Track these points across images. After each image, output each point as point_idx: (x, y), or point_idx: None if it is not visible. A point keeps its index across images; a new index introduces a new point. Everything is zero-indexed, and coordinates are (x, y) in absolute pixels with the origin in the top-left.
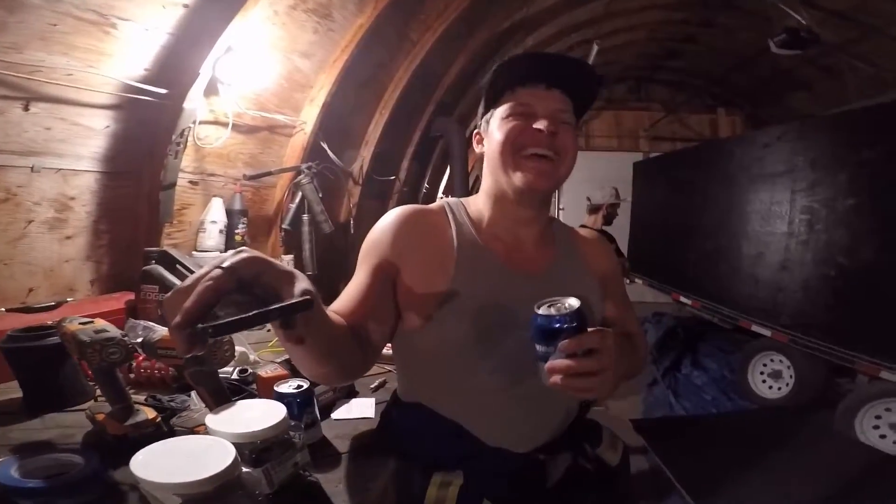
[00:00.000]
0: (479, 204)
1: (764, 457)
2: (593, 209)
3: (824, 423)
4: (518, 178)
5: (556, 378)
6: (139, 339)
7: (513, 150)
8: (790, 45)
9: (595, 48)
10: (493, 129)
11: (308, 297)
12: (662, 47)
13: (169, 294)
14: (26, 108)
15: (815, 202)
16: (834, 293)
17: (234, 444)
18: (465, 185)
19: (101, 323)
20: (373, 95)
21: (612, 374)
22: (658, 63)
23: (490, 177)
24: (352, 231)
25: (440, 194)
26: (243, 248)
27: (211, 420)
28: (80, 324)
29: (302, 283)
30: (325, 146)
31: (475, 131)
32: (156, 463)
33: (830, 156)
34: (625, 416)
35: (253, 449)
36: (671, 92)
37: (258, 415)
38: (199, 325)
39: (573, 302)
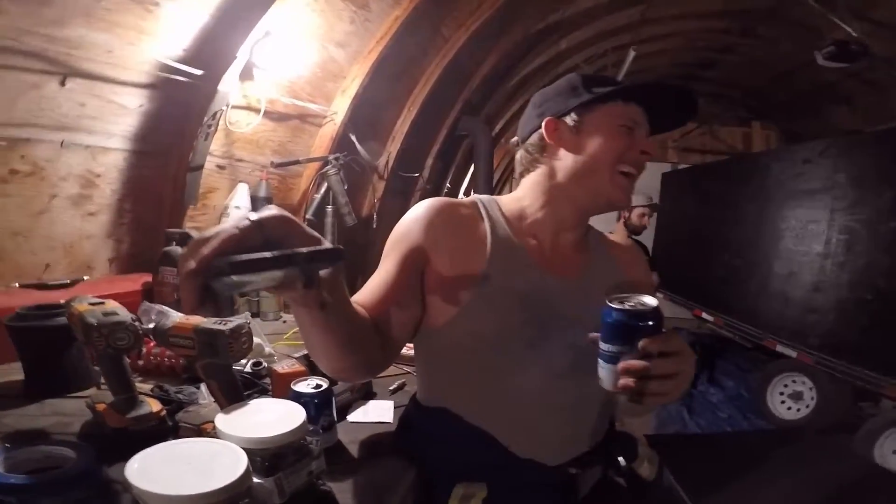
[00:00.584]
0: (521, 201)
1: (780, 478)
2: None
3: (843, 447)
4: (613, 192)
5: (628, 380)
6: (151, 325)
7: (614, 162)
8: (838, 58)
9: (632, 54)
10: (598, 131)
11: (339, 247)
12: (698, 56)
13: (187, 245)
14: (63, 84)
15: (855, 222)
16: (870, 316)
17: (245, 449)
18: (490, 184)
19: (111, 305)
20: (403, 90)
21: (686, 378)
22: (692, 72)
23: (564, 178)
24: (374, 226)
25: (461, 194)
26: (274, 206)
27: (221, 421)
28: (90, 304)
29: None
30: (353, 138)
31: (548, 118)
32: (154, 470)
33: (875, 174)
34: (638, 431)
35: (265, 456)
36: (704, 103)
37: (274, 418)
38: (214, 263)
39: (651, 300)
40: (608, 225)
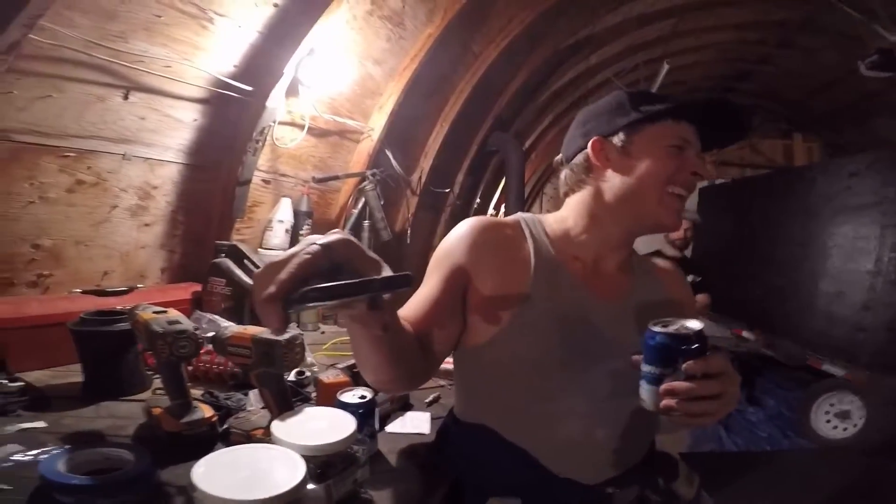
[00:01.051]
0: (565, 222)
1: (823, 499)
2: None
3: (890, 467)
4: (662, 214)
5: (671, 401)
6: (210, 334)
7: (664, 184)
8: (882, 67)
9: (665, 68)
10: (646, 152)
11: (408, 273)
12: (733, 68)
13: (259, 270)
14: (126, 97)
15: None
16: None
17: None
18: (521, 200)
19: (174, 314)
20: (435, 106)
21: (730, 399)
22: (728, 85)
23: (611, 199)
24: (408, 241)
25: (491, 209)
26: (337, 230)
27: (277, 427)
28: (154, 312)
29: (388, 272)
30: (389, 154)
31: (595, 138)
32: (218, 474)
33: None
34: (673, 449)
35: (317, 463)
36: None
37: (325, 425)
38: (298, 293)
39: (695, 324)
40: (652, 240)
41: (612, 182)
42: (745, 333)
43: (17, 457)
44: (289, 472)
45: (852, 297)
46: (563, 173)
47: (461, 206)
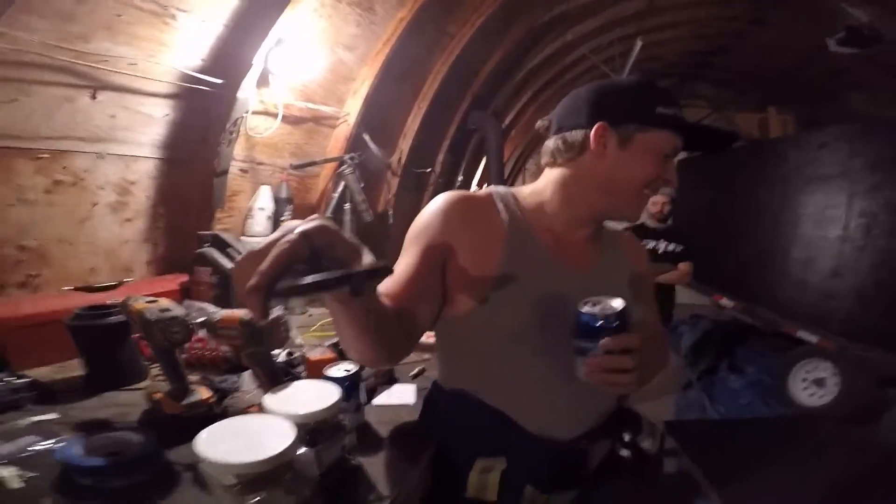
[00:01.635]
0: (541, 195)
1: (799, 464)
2: None
3: (866, 434)
4: (631, 210)
5: (594, 373)
6: (201, 319)
7: (644, 186)
8: (850, 44)
9: (639, 44)
10: (643, 153)
11: (386, 263)
12: (710, 44)
13: (240, 258)
14: (94, 97)
15: (875, 205)
16: (890, 300)
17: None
18: (501, 177)
19: (165, 302)
20: (412, 88)
21: (645, 372)
22: (704, 60)
23: (592, 185)
24: (390, 221)
25: (473, 186)
26: (316, 216)
27: (269, 400)
28: (146, 302)
29: (367, 257)
30: (366, 138)
31: (599, 123)
32: (219, 442)
33: (893, 158)
34: (658, 418)
35: (306, 430)
36: (717, 90)
37: (313, 396)
38: (279, 286)
39: (617, 303)
40: None
41: (599, 170)
42: (723, 301)
43: (35, 446)
44: (281, 437)
45: (822, 263)
46: (552, 142)
47: (443, 185)
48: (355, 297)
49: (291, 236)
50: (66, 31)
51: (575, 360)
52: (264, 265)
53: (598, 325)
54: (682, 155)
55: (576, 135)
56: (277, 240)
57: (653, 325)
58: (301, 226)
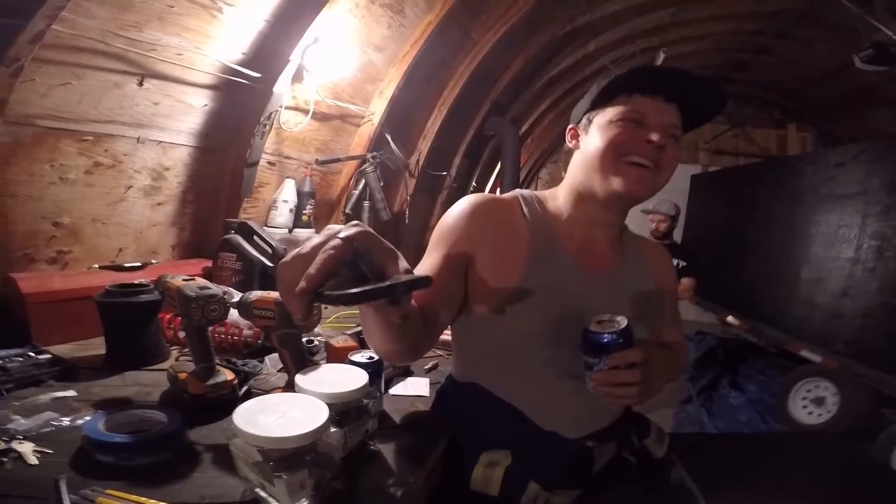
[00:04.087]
0: (557, 199)
1: (793, 480)
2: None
3: (860, 452)
4: (617, 182)
5: (601, 387)
6: (235, 299)
7: (615, 155)
8: (877, 61)
9: (662, 56)
10: (598, 129)
11: (429, 276)
12: (730, 58)
13: (286, 258)
14: (141, 84)
15: (888, 227)
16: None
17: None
18: (516, 183)
19: (201, 281)
20: (434, 91)
21: (650, 385)
22: (724, 74)
23: (580, 174)
24: (406, 221)
25: (487, 192)
26: (356, 221)
27: (301, 380)
28: (183, 280)
29: (403, 262)
30: (388, 138)
31: (570, 126)
32: (255, 418)
33: None
34: None
35: (336, 410)
36: (737, 104)
37: (342, 378)
38: (333, 293)
39: (622, 320)
40: (638, 231)
41: (579, 158)
42: (730, 319)
43: (55, 423)
44: (314, 414)
45: (832, 283)
46: (561, 165)
47: (457, 189)
48: (398, 306)
49: (336, 241)
50: (121, 19)
51: (585, 373)
52: (312, 269)
53: (603, 341)
54: (697, 169)
55: (566, 146)
56: (322, 243)
57: (671, 333)
58: (344, 231)
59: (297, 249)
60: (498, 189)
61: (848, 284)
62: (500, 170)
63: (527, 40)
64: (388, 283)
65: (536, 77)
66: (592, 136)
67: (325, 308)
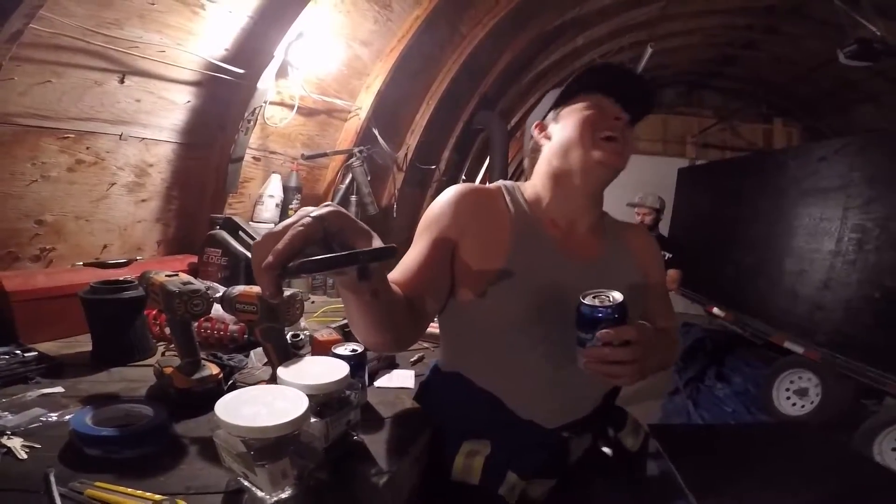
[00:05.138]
0: (536, 188)
1: (778, 471)
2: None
3: (842, 443)
4: (597, 154)
5: (592, 363)
6: (219, 294)
7: (592, 131)
8: (860, 57)
9: (649, 51)
10: (569, 116)
11: (393, 245)
12: (719, 52)
13: (259, 238)
14: (122, 81)
15: (868, 220)
16: (875, 315)
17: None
18: (505, 176)
19: (184, 276)
20: (422, 85)
21: (642, 366)
22: (713, 69)
23: (556, 159)
24: (394, 215)
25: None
26: (329, 202)
27: (283, 372)
28: (166, 276)
29: (377, 242)
30: (376, 132)
31: (536, 123)
32: (238, 409)
33: (890, 173)
34: (642, 421)
35: (317, 402)
36: (725, 99)
37: (324, 370)
38: (292, 263)
39: (617, 295)
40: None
41: (554, 142)
42: (716, 310)
43: (43, 418)
44: (294, 405)
45: (814, 276)
46: (526, 161)
47: (447, 183)
48: (362, 281)
49: (307, 220)
50: (101, 16)
51: (576, 350)
52: (279, 244)
53: (597, 316)
54: (684, 163)
55: (532, 144)
56: (294, 222)
57: (662, 317)
58: (316, 210)
59: (270, 229)
60: (487, 183)
61: (829, 277)
62: (489, 163)
63: (515, 34)
64: (346, 252)
65: (525, 71)
66: (564, 124)
67: (312, 301)
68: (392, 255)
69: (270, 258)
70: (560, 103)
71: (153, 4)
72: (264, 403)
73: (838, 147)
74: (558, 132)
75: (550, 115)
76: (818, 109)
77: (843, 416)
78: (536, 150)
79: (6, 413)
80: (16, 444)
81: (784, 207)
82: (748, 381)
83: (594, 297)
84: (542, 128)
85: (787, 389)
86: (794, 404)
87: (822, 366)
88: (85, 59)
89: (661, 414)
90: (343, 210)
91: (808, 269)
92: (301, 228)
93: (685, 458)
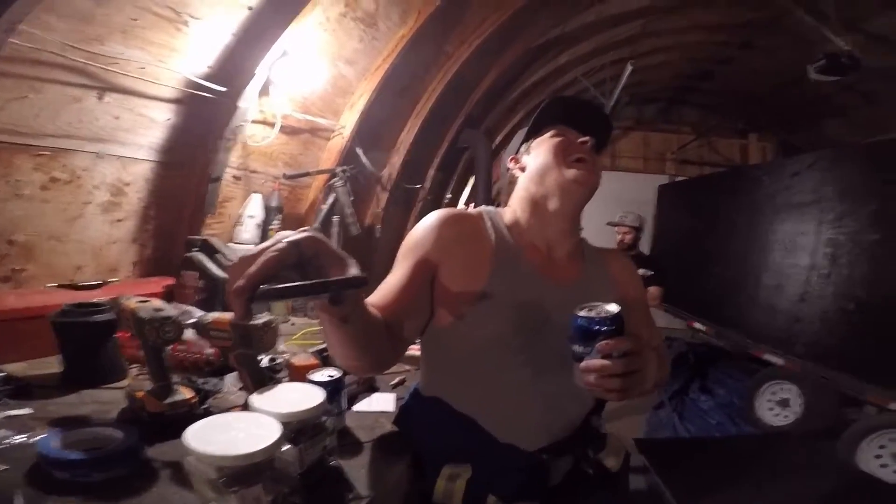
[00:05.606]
0: (515, 213)
1: (764, 482)
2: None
3: (827, 452)
4: (570, 173)
5: (591, 377)
6: (193, 319)
7: (564, 155)
8: (829, 72)
9: (629, 68)
10: (540, 146)
11: (364, 275)
12: (696, 68)
13: (234, 262)
14: (101, 98)
15: (840, 234)
16: (851, 326)
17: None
18: (489, 194)
19: (157, 302)
20: (407, 104)
21: (642, 377)
22: (690, 84)
23: (533, 185)
24: (377, 235)
25: (461, 204)
26: (306, 227)
27: (255, 399)
28: (138, 302)
29: (353, 269)
30: (359, 152)
31: (511, 156)
32: (207, 436)
33: (859, 187)
34: (628, 435)
35: (291, 429)
36: (702, 115)
37: (298, 396)
38: (261, 288)
39: (612, 307)
40: (597, 240)
41: (529, 169)
42: (697, 325)
43: (8, 440)
44: (266, 433)
45: (790, 289)
46: (503, 197)
47: (432, 202)
48: (335, 306)
49: (281, 244)
50: (82, 32)
51: (573, 367)
52: (252, 268)
53: (594, 328)
54: (664, 179)
55: (508, 176)
56: (269, 247)
57: (652, 340)
58: (292, 235)
59: (245, 253)
60: (472, 202)
61: (805, 290)
62: (474, 182)
63: (500, 53)
64: (315, 280)
65: (509, 89)
66: (537, 152)
67: (292, 323)
68: (361, 285)
69: (242, 281)
70: (529, 137)
71: (136, 20)
72: (236, 430)
73: (810, 162)
74: (532, 160)
75: (522, 148)
76: (791, 124)
77: (827, 425)
78: (513, 181)
79: None
80: None
81: (760, 223)
82: (732, 393)
83: (589, 310)
84: (517, 160)
85: (770, 401)
86: (776, 415)
87: (802, 376)
88: (64, 75)
89: (646, 427)
90: (319, 236)
91: (784, 283)
92: (275, 253)
93: (672, 472)
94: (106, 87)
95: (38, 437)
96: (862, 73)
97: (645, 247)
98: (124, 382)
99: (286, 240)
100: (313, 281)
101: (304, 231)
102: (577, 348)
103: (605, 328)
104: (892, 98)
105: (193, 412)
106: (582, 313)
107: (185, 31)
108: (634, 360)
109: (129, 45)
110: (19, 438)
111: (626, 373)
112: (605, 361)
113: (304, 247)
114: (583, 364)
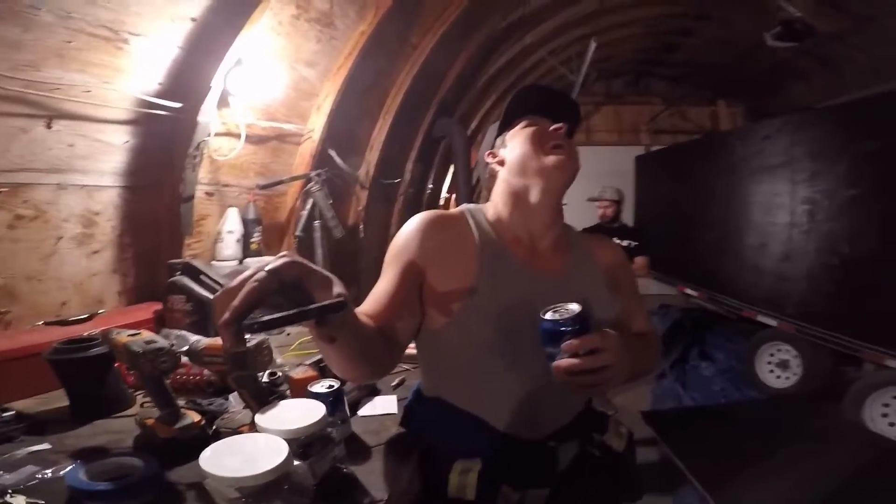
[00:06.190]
0: (497, 207)
1: (775, 446)
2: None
3: (834, 412)
4: (550, 160)
5: (562, 375)
6: (185, 347)
7: (540, 143)
8: (786, 38)
9: (593, 45)
10: (516, 137)
11: (342, 299)
12: (660, 41)
13: (218, 293)
14: (49, 126)
15: (815, 193)
16: (836, 283)
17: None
18: (469, 182)
19: (147, 334)
20: (376, 101)
21: (615, 371)
22: (656, 57)
23: (513, 177)
24: (361, 234)
25: (444, 193)
26: (286, 252)
27: (260, 419)
28: (128, 336)
29: (338, 288)
30: (332, 153)
31: (488, 152)
32: (220, 459)
33: (829, 147)
34: (634, 408)
35: (299, 444)
36: (670, 85)
37: (300, 413)
38: (245, 322)
39: (574, 307)
40: (590, 219)
41: (509, 161)
42: (688, 290)
43: (38, 475)
44: (275, 452)
45: (773, 248)
46: (484, 193)
47: (414, 194)
48: (323, 327)
49: (261, 274)
50: (13, 59)
51: (549, 367)
52: (235, 301)
53: (559, 329)
54: (640, 150)
55: (487, 171)
56: (250, 277)
57: (634, 322)
58: (271, 263)
59: (228, 284)
60: (454, 191)
61: (788, 248)
62: (454, 171)
63: (466, 38)
64: (296, 310)
65: (479, 74)
66: (513, 144)
67: (288, 334)
68: (341, 309)
69: (227, 315)
70: (503, 130)
71: (70, 42)
72: (246, 452)
73: (779, 125)
74: (510, 153)
75: (497, 141)
76: (757, 89)
77: (827, 384)
78: (493, 175)
79: (1, 472)
80: (20, 501)
81: (738, 185)
82: (731, 357)
83: (554, 312)
84: (494, 155)
85: (769, 363)
86: (777, 377)
87: (797, 337)
88: (4, 106)
89: (652, 399)
90: (299, 260)
91: (768, 242)
92: (255, 284)
93: (682, 442)
94: (52, 115)
95: (64, 470)
96: (814, 38)
97: (628, 218)
98: (133, 410)
99: (266, 268)
100: (292, 311)
101: (283, 257)
102: (549, 349)
103: (569, 328)
104: (847, 61)
105: (204, 434)
106: (547, 316)
107: (127, 49)
108: (602, 355)
109: (67, 69)
110: (48, 473)
111: (595, 369)
112: (574, 360)
113: (283, 273)
114: (553, 364)
